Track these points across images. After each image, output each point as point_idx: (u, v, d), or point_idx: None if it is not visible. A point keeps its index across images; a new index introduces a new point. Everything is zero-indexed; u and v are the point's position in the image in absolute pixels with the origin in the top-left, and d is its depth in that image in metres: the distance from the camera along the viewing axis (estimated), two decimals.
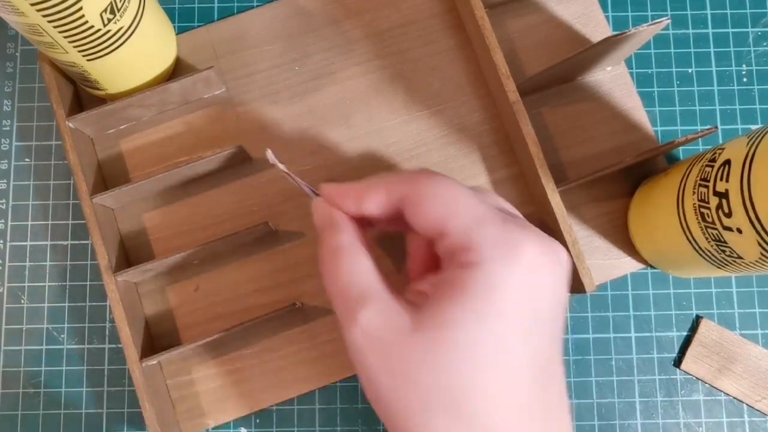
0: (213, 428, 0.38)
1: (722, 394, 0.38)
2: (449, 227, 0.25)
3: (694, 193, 0.31)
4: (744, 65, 0.41)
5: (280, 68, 0.41)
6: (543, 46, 0.41)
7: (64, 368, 0.38)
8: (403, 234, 0.33)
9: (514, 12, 0.41)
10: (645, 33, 0.35)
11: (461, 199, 0.26)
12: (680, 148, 0.40)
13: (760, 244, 0.27)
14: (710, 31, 0.42)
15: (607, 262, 0.39)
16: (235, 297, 0.39)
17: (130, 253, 0.39)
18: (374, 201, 0.28)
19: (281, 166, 0.31)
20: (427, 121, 0.40)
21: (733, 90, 0.41)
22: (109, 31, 0.33)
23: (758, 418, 0.38)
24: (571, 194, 0.39)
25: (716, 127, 0.38)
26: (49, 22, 0.30)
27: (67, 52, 0.33)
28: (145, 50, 0.36)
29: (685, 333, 0.39)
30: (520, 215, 0.30)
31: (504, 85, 0.37)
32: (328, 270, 0.28)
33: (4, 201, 0.40)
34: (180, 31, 0.41)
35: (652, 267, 0.39)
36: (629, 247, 0.39)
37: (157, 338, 0.38)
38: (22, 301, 0.39)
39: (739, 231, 0.28)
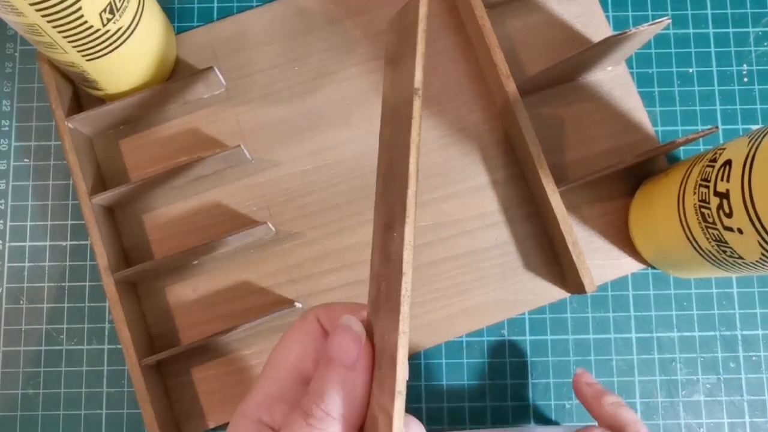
0: (212, 429, 0.38)
1: (723, 395, 0.38)
2: None
3: (694, 193, 0.31)
4: (745, 65, 0.41)
5: (280, 68, 0.41)
6: (543, 46, 0.41)
7: (63, 369, 0.38)
8: None
9: (515, 12, 0.41)
10: (646, 33, 0.35)
11: None
12: (681, 148, 0.40)
13: (760, 245, 0.27)
14: (711, 30, 0.42)
15: (607, 263, 0.39)
16: (235, 297, 0.39)
17: (130, 253, 0.39)
18: None
19: None
20: (427, 121, 0.40)
21: (733, 90, 0.41)
22: (108, 31, 0.33)
23: (759, 419, 0.38)
24: (572, 194, 0.39)
25: (717, 127, 0.38)
26: (48, 22, 0.30)
27: (67, 52, 0.33)
28: (144, 50, 0.36)
29: (685, 333, 0.39)
30: None
31: (504, 85, 0.37)
32: None
33: (3, 201, 0.40)
34: (180, 31, 0.41)
35: (652, 267, 0.39)
36: (630, 248, 0.39)
37: (157, 338, 0.38)
38: (21, 302, 0.39)
39: (740, 231, 0.28)
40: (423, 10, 0.22)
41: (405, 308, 0.20)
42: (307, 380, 0.22)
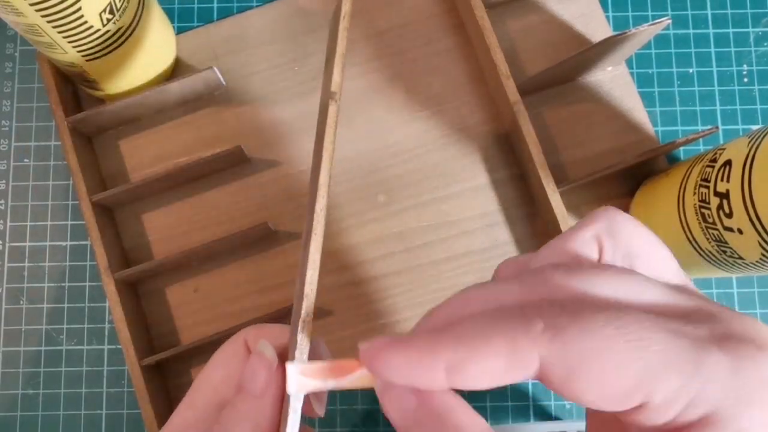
0: None
1: None
2: (653, 397, 0.15)
3: (694, 193, 0.31)
4: (745, 65, 0.41)
5: (280, 68, 0.41)
6: (543, 46, 0.41)
7: (63, 369, 0.38)
8: None
9: (514, 12, 0.41)
10: (646, 33, 0.35)
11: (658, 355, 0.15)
12: (681, 148, 0.40)
13: (760, 245, 0.27)
14: (711, 31, 0.42)
15: None
16: (235, 297, 0.39)
17: (130, 253, 0.39)
18: (486, 364, 0.16)
19: None
20: (427, 122, 0.40)
21: (733, 90, 0.41)
22: (108, 31, 0.33)
23: None
24: (572, 194, 0.39)
25: (717, 128, 0.38)
26: (48, 22, 0.30)
27: (67, 53, 0.33)
28: (144, 50, 0.36)
29: None
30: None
31: (504, 85, 0.37)
32: None
33: (3, 202, 0.40)
34: (180, 31, 0.41)
35: None
36: None
37: (157, 339, 0.38)
38: (21, 302, 0.39)
39: (740, 231, 0.28)
40: (345, 7, 0.20)
41: (300, 336, 0.18)
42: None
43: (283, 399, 0.21)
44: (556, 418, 0.38)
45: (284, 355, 0.22)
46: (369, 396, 0.38)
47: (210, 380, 0.23)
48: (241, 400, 0.21)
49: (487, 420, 0.38)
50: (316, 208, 0.19)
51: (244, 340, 0.23)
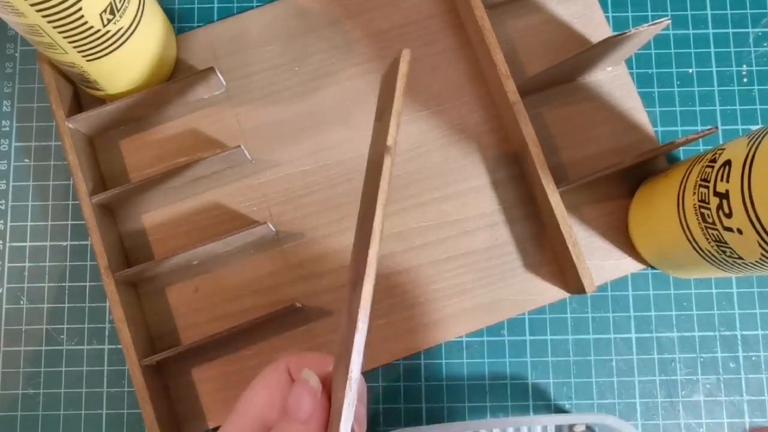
0: (213, 429, 0.38)
1: (722, 395, 0.38)
2: None
3: (694, 193, 0.31)
4: (744, 65, 0.41)
5: (280, 68, 0.41)
6: (543, 46, 0.41)
7: (63, 369, 0.38)
8: None
9: (514, 12, 0.41)
10: (645, 33, 0.35)
11: None
12: (681, 148, 0.40)
13: (760, 245, 0.27)
14: (710, 31, 0.42)
15: (607, 263, 0.39)
16: (235, 297, 0.39)
17: (130, 253, 0.39)
18: None
19: None
20: (427, 122, 0.40)
21: (733, 90, 0.41)
22: (108, 31, 0.33)
23: (759, 419, 0.38)
24: (572, 195, 0.39)
25: (716, 128, 0.38)
26: (49, 22, 0.30)
27: (67, 53, 0.33)
28: (144, 51, 0.36)
29: (685, 333, 0.39)
30: None
31: (504, 85, 0.37)
32: None
33: (3, 201, 0.40)
34: (180, 31, 0.41)
35: (652, 267, 0.39)
36: (629, 248, 0.39)
37: (157, 339, 0.38)
38: (22, 302, 0.39)
39: (740, 231, 0.28)
40: (403, 68, 0.22)
41: (355, 372, 0.19)
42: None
43: (326, 425, 0.22)
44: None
45: (327, 382, 0.23)
46: (370, 396, 0.38)
47: (254, 403, 0.24)
48: (287, 424, 0.22)
49: (486, 419, 0.38)
50: (370, 254, 0.20)
51: (286, 366, 0.24)
